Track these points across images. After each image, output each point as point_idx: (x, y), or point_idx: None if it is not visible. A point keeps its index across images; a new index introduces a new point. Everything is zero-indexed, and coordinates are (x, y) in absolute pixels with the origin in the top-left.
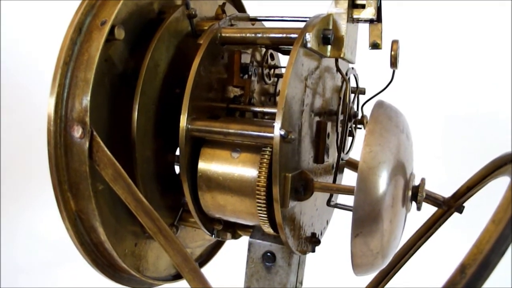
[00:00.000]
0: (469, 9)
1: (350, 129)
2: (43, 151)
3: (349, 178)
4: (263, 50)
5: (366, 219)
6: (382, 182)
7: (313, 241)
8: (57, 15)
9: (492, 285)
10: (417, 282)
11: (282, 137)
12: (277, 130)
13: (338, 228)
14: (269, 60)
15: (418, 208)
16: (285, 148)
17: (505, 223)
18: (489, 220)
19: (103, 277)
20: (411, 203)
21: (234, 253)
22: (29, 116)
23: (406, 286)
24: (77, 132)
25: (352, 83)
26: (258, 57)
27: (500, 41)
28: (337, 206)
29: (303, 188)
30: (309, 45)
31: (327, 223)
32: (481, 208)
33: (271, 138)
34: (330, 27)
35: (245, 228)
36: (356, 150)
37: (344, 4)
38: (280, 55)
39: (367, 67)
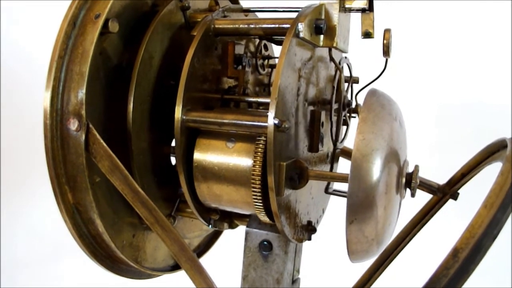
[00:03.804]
0: None
1: (344, 118)
2: (42, 145)
3: (344, 166)
4: (257, 41)
5: (360, 206)
6: (375, 169)
7: (309, 229)
8: (55, 10)
9: (492, 285)
10: (413, 268)
11: (276, 126)
12: (271, 119)
13: (334, 217)
14: (263, 51)
15: (412, 195)
16: (279, 137)
17: (497, 208)
18: (481, 205)
19: (102, 269)
20: (405, 190)
21: (232, 243)
22: (29, 110)
23: (403, 273)
24: (73, 125)
25: (346, 72)
26: (252, 48)
27: (494, 29)
28: (334, 192)
29: (298, 176)
30: (301, 35)
31: (323, 211)
32: (476, 194)
33: (265, 127)
34: (323, 16)
35: (241, 218)
36: (351, 139)
37: None
38: (274, 46)
39: (360, 56)
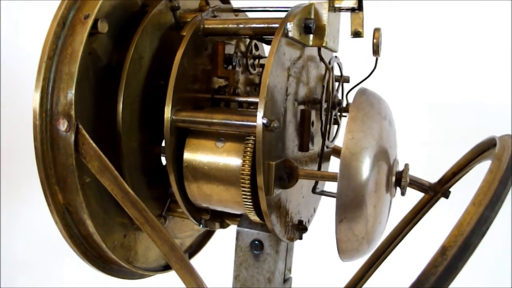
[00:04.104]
0: None
1: (335, 117)
2: None
3: (335, 165)
4: (248, 40)
5: (350, 205)
6: (365, 168)
7: (300, 228)
8: (55, 10)
9: (492, 285)
10: (406, 267)
11: (264, 125)
12: (260, 119)
13: (326, 216)
14: (253, 51)
15: (403, 193)
16: (268, 137)
17: (485, 205)
18: (469, 203)
19: (93, 269)
20: (395, 188)
21: (224, 242)
22: (29, 110)
23: (396, 271)
24: (63, 125)
25: (336, 72)
26: (243, 48)
27: (494, 28)
28: (323, 192)
29: (287, 175)
30: (290, 34)
31: (314, 210)
32: (467, 192)
33: (254, 126)
34: (312, 16)
35: (233, 217)
36: (342, 138)
37: None
38: (264, 45)
39: (352, 56)
